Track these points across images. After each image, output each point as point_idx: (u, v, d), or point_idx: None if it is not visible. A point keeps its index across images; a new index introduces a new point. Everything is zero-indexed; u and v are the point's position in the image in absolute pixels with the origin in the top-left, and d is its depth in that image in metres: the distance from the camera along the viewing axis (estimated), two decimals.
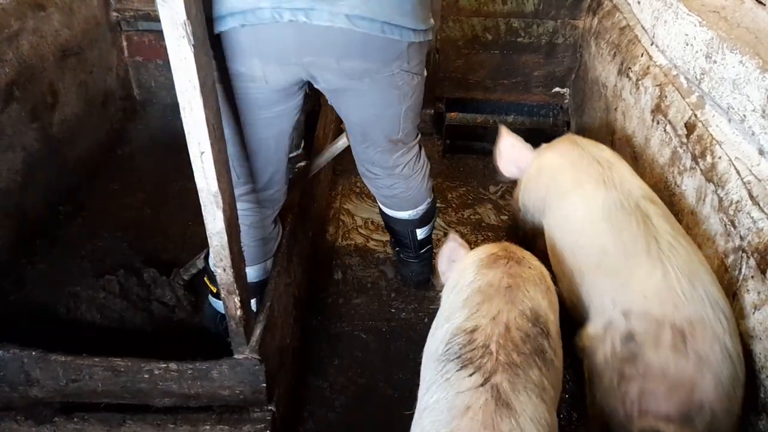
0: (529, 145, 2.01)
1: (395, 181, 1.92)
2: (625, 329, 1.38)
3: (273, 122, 1.62)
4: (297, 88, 1.60)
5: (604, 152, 1.80)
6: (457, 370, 1.17)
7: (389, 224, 2.16)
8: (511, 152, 2.02)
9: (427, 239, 2.21)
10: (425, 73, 1.69)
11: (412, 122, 1.78)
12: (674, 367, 1.29)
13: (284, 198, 1.87)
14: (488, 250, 1.49)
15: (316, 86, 1.60)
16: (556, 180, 1.79)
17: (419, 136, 1.91)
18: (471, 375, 1.15)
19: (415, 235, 2.13)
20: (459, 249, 1.58)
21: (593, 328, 1.49)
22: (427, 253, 2.26)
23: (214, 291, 1.88)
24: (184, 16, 1.13)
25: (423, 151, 1.96)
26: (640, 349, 1.34)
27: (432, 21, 1.54)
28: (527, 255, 1.46)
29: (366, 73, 1.51)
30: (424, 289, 2.34)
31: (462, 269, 1.49)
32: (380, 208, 2.12)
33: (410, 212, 2.04)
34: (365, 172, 1.94)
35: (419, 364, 2.06)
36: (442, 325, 1.32)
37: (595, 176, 1.67)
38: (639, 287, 1.40)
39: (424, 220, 2.09)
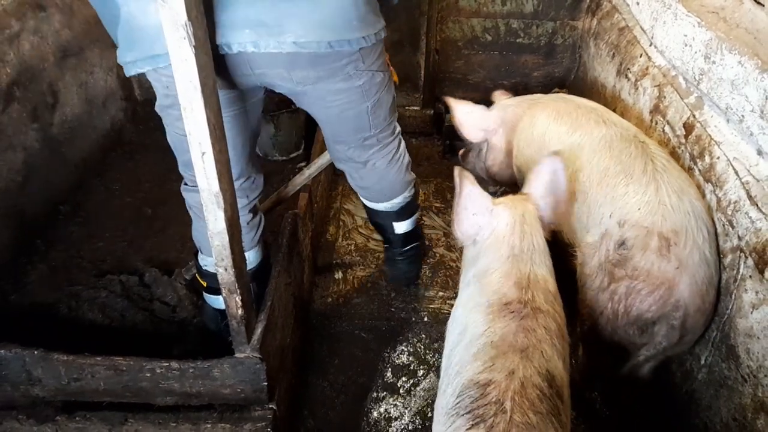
0: (482, 106, 2.21)
1: (367, 173, 1.91)
2: (618, 236, 1.56)
3: (234, 121, 1.61)
4: (253, 90, 1.60)
5: (596, 104, 2.00)
6: (467, 429, 1.08)
7: (371, 217, 2.15)
8: (469, 118, 2.21)
9: (412, 235, 2.19)
10: (390, 72, 1.69)
11: (385, 119, 1.77)
12: (658, 268, 1.49)
13: (258, 189, 1.84)
14: (511, 216, 1.46)
15: (276, 90, 1.61)
16: (554, 128, 1.94)
17: (397, 130, 1.89)
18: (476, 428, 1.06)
19: (394, 228, 2.12)
20: (481, 199, 1.51)
21: (591, 237, 1.66)
22: (412, 251, 2.24)
23: (205, 285, 1.89)
24: (185, 17, 1.13)
25: (402, 146, 1.94)
26: (630, 252, 1.52)
27: (382, 20, 1.55)
28: (543, 299, 1.33)
29: (319, 79, 1.53)
30: (415, 287, 2.34)
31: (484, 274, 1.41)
32: (361, 200, 2.11)
33: (386, 204, 2.03)
34: (340, 165, 1.94)
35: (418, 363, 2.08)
36: (453, 380, 1.23)
37: (594, 118, 1.86)
38: (634, 201, 1.57)
39: (401, 213, 2.07)
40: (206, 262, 1.83)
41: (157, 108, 1.57)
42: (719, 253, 1.57)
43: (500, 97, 2.38)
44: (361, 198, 2.09)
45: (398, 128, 1.90)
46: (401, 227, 2.12)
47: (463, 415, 1.11)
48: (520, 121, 2.12)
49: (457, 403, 1.15)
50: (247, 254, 1.81)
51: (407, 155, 1.98)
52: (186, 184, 1.75)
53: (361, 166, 1.87)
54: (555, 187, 1.56)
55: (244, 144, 1.69)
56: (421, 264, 2.36)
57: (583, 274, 1.69)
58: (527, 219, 1.48)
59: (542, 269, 1.41)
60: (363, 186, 1.97)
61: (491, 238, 1.47)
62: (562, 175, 1.56)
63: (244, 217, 1.80)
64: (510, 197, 1.58)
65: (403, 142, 1.95)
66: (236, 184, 1.71)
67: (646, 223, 1.53)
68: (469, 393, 1.14)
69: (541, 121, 2.01)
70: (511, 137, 2.18)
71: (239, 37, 1.38)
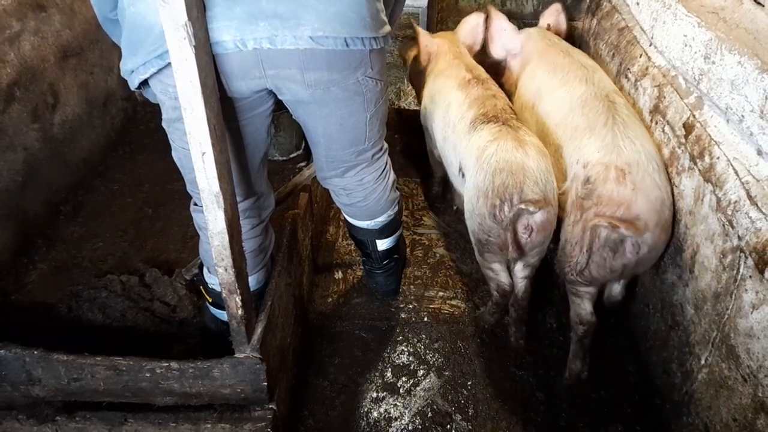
0: (515, 28, 2.55)
1: (354, 190, 1.88)
2: (584, 176, 1.84)
3: (243, 131, 1.58)
4: (262, 96, 1.56)
5: (588, 60, 2.30)
6: (485, 124, 1.97)
7: (351, 232, 2.12)
8: (502, 35, 2.56)
9: (392, 251, 2.17)
10: (386, 83, 1.70)
11: (378, 131, 1.76)
12: (617, 193, 1.75)
13: (271, 205, 1.82)
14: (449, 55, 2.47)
15: (280, 98, 1.58)
16: (547, 80, 2.26)
17: (385, 147, 1.89)
18: (495, 123, 1.96)
19: (375, 245, 2.09)
20: (424, 37, 2.53)
21: (566, 184, 1.95)
22: (391, 263, 2.21)
23: (210, 301, 1.88)
24: (185, 17, 1.14)
25: (389, 162, 1.93)
26: (594, 186, 1.79)
27: (388, 27, 1.55)
28: (483, 73, 2.32)
29: (331, 83, 1.51)
30: (393, 297, 2.32)
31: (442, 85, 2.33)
32: (343, 216, 2.08)
33: (368, 222, 2.00)
34: (327, 183, 1.90)
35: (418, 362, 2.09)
36: (459, 123, 2.10)
37: (580, 76, 2.14)
38: (594, 147, 1.86)
39: (384, 230, 2.05)
40: (213, 280, 1.82)
41: (164, 123, 1.55)
42: (671, 182, 1.82)
43: (546, 18, 2.66)
44: (343, 214, 2.06)
45: (386, 145, 1.89)
46: (383, 245, 2.10)
47: (481, 123, 1.99)
48: (527, 64, 2.41)
49: (474, 123, 2.01)
50: (254, 276, 1.79)
51: (393, 173, 1.97)
52: (196, 204, 1.70)
53: (349, 182, 1.85)
54: (476, 34, 2.60)
55: (262, 160, 1.68)
56: (401, 276, 2.35)
57: (563, 218, 1.93)
58: (456, 41, 2.54)
59: (472, 61, 2.44)
60: (348, 203, 1.94)
61: (434, 54, 2.50)
62: (482, 29, 2.57)
63: (257, 239, 1.76)
64: (440, 34, 2.57)
65: (389, 159, 1.94)
66: (249, 203, 1.70)
67: (605, 160, 1.80)
68: (480, 119, 2.01)
69: (539, 73, 2.30)
70: (520, 73, 2.45)
71: (254, 32, 1.35)
